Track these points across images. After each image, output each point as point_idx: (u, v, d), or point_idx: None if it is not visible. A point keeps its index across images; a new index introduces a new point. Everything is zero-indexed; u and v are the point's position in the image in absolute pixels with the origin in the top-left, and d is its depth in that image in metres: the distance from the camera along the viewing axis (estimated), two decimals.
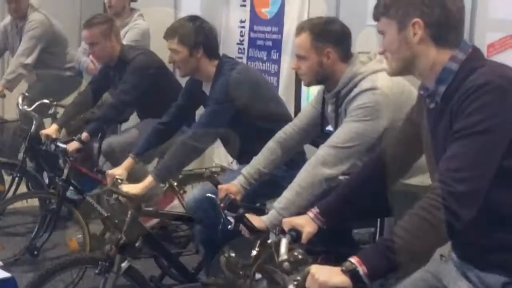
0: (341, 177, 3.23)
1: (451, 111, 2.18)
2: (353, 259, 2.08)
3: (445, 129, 2.22)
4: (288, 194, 3.07)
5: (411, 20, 2.25)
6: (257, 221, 3.07)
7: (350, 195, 2.72)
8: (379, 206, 3.19)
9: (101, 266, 3.69)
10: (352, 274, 2.06)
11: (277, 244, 2.59)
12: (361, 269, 2.06)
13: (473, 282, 2.28)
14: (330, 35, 3.23)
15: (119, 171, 4.00)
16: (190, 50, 3.94)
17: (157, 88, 4.89)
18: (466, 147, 2.09)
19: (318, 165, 3.05)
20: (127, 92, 4.81)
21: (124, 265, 3.74)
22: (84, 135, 4.75)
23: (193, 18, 4.10)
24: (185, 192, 5.02)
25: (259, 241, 3.12)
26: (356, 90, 3.12)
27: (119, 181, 3.85)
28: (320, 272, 2.11)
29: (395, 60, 2.34)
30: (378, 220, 4.17)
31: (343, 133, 3.07)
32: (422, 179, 3.15)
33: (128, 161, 4.12)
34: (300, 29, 3.28)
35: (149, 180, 3.81)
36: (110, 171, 4.00)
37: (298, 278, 2.24)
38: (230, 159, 5.75)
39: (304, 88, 4.76)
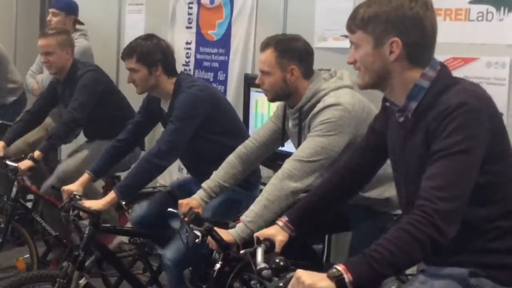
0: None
1: (427, 130, 2.26)
2: (339, 266, 2.12)
3: (419, 145, 2.30)
4: (255, 208, 3.12)
5: (389, 39, 2.30)
6: (225, 234, 3.10)
7: (317, 203, 2.80)
8: (338, 217, 3.31)
9: (59, 283, 3.66)
10: (337, 280, 2.10)
11: (253, 254, 2.64)
12: (347, 277, 2.09)
13: (444, 276, 2.35)
14: (294, 52, 3.32)
15: (75, 187, 3.97)
16: (148, 69, 3.97)
17: (105, 105, 4.91)
18: (447, 166, 2.17)
19: (285, 178, 3.12)
20: (77, 110, 4.80)
21: (82, 282, 3.72)
22: (37, 153, 4.71)
23: (150, 37, 4.13)
24: (133, 210, 5.04)
25: (221, 255, 3.19)
26: (319, 106, 3.21)
27: (77, 197, 3.83)
28: (306, 276, 2.15)
29: (368, 73, 2.38)
30: (326, 236, 4.29)
31: (308, 147, 3.15)
32: (380, 192, 3.29)
33: (84, 177, 4.09)
34: (265, 45, 3.36)
35: (111, 196, 3.80)
36: (66, 187, 3.96)
37: (281, 284, 2.30)
38: (175, 178, 5.80)
39: (252, 110, 4.87)
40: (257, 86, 4.67)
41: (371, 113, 3.22)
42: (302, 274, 2.16)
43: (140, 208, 4.25)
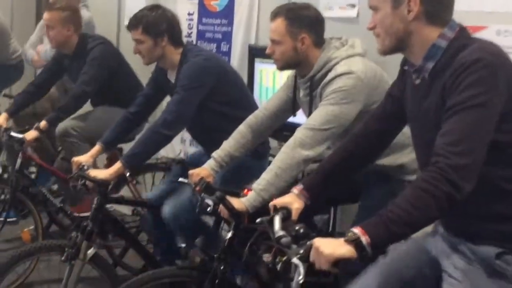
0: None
1: (443, 87, 2.24)
2: (356, 229, 2.13)
3: (435, 104, 2.28)
4: (267, 176, 3.12)
5: None
6: (237, 202, 3.10)
7: (333, 170, 2.79)
8: (347, 188, 3.30)
9: (67, 253, 3.68)
10: (356, 244, 2.11)
11: (270, 223, 2.64)
12: (364, 239, 2.10)
13: (466, 255, 2.34)
14: (304, 21, 3.30)
15: (85, 158, 3.96)
16: (154, 39, 3.94)
17: (115, 78, 4.90)
18: (462, 121, 2.15)
19: (297, 147, 3.11)
20: (87, 83, 4.78)
21: (90, 252, 3.73)
22: (43, 123, 4.68)
23: (155, 7, 4.10)
24: (137, 182, 5.05)
25: (233, 224, 3.19)
26: (331, 74, 3.19)
27: (85, 167, 3.82)
28: (324, 244, 2.16)
29: (388, 37, 2.37)
30: (332, 208, 4.29)
31: (320, 115, 3.14)
32: (393, 159, 3.28)
33: (95, 149, 4.08)
34: (275, 14, 3.33)
35: (118, 166, 3.79)
36: (76, 158, 3.95)
37: (301, 251, 2.30)
38: (177, 150, 5.79)
39: (256, 81, 4.85)
40: (262, 57, 4.74)
41: (383, 80, 3.22)
42: (320, 243, 2.18)
43: (157, 190, 4.25)
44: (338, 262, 2.13)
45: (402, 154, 3.22)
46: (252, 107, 3.92)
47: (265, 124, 3.56)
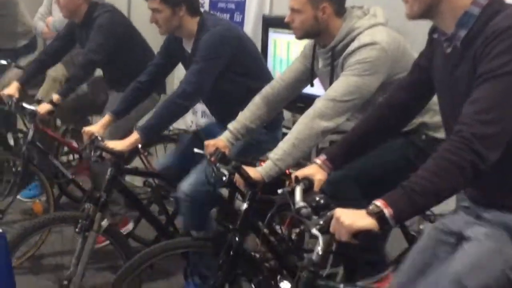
0: None
1: (474, 56, 2.17)
2: (378, 202, 2.08)
3: (466, 73, 2.22)
4: (284, 146, 3.07)
5: None
6: (253, 172, 3.07)
7: (357, 141, 2.73)
8: None
9: (81, 224, 3.65)
10: (378, 216, 2.07)
11: (291, 193, 2.59)
12: (387, 211, 2.05)
13: (491, 222, 2.29)
14: None
15: (96, 128, 3.91)
16: (172, 9, 3.86)
17: (125, 49, 4.81)
18: (491, 89, 2.09)
19: (316, 117, 3.06)
20: (94, 51, 4.69)
21: (104, 223, 3.70)
22: (55, 97, 4.62)
23: None
24: (149, 153, 5.01)
25: (249, 195, 3.15)
26: (354, 45, 3.12)
27: (99, 138, 3.78)
28: (345, 215, 2.11)
29: (416, 2, 2.28)
30: None
31: (341, 86, 3.08)
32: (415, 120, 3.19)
33: (105, 119, 4.03)
34: None
35: (135, 136, 3.74)
36: (86, 128, 3.90)
37: (321, 222, 2.25)
38: (189, 122, 5.75)
39: (270, 52, 4.79)
40: (276, 27, 4.67)
41: (406, 52, 3.16)
42: (341, 214, 2.13)
43: (166, 158, 4.20)
44: (359, 234, 2.08)
45: (423, 117, 3.16)
46: (268, 78, 3.86)
47: (282, 95, 3.50)
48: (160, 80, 4.26)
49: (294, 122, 3.42)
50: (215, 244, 3.23)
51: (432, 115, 3.15)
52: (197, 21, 3.91)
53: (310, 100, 3.60)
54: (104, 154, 3.72)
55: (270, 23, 4.80)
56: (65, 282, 3.65)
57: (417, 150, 3.23)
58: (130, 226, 4.63)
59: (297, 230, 4.11)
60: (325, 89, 3.36)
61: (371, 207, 2.09)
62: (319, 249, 2.24)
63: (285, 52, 4.78)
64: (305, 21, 3.24)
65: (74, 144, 5.46)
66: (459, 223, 2.41)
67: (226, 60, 3.80)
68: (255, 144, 3.80)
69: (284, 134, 4.14)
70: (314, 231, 2.25)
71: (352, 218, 2.09)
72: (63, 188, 5.37)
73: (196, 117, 5.76)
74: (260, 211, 3.24)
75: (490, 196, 2.31)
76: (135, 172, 4.30)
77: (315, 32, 3.28)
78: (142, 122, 4.57)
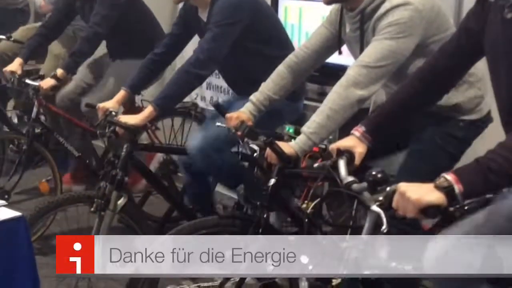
0: None
1: None
2: (448, 176, 1.95)
3: None
4: (318, 118, 2.92)
5: None
6: (286, 147, 2.93)
7: (397, 111, 2.61)
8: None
9: (97, 204, 3.52)
10: (447, 191, 1.93)
11: (334, 167, 2.44)
12: (457, 187, 1.93)
13: None
14: None
15: (111, 104, 3.76)
16: None
17: (128, 19, 4.65)
18: None
19: (350, 86, 2.90)
20: (99, 24, 4.54)
21: (121, 202, 3.57)
22: (60, 71, 4.50)
23: None
24: (157, 128, 4.84)
25: (277, 170, 3.01)
26: (386, 6, 2.95)
27: (113, 113, 3.61)
28: (411, 189, 1.98)
29: None
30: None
31: (374, 52, 2.91)
32: (448, 98, 3.06)
33: (120, 94, 3.88)
34: None
35: (149, 110, 3.60)
36: (101, 104, 3.75)
37: (380, 198, 2.12)
38: (193, 95, 5.58)
39: (280, 17, 4.62)
40: None
41: (441, 13, 2.99)
42: (407, 189, 2.00)
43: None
44: (427, 210, 1.94)
45: (458, 92, 3.00)
46: (289, 45, 3.71)
47: (307, 63, 3.32)
48: (177, 52, 4.08)
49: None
50: (243, 222, 3.09)
51: (466, 88, 2.99)
52: None
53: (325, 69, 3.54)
54: (117, 129, 3.56)
55: None
56: None
57: (457, 142, 3.08)
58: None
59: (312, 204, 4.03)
60: (355, 55, 3.20)
61: (439, 181, 1.96)
62: (384, 227, 2.11)
63: (297, 19, 4.65)
64: None
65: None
66: None
67: (242, 27, 3.64)
68: (275, 114, 3.63)
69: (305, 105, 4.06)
70: (375, 207, 2.12)
71: (420, 193, 1.96)
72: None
73: (201, 89, 5.59)
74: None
75: None
76: (151, 148, 4.15)
77: None
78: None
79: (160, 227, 4.32)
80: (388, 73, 2.94)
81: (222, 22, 3.60)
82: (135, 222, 3.68)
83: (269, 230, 3.01)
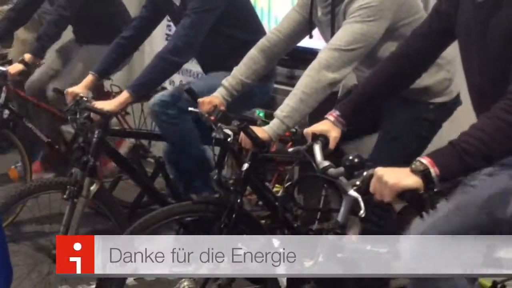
0: None
1: None
2: (424, 159, 1.96)
3: (506, 21, 2.10)
4: (291, 102, 2.93)
5: None
6: (260, 131, 2.94)
7: (371, 94, 2.62)
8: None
9: (70, 191, 3.48)
10: (423, 175, 1.94)
11: (309, 152, 2.46)
12: (433, 170, 1.93)
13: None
14: None
15: (80, 89, 3.71)
16: None
17: (96, 4, 4.62)
18: None
19: (322, 69, 2.91)
20: (64, 7, 4.49)
21: (93, 188, 3.54)
22: (27, 56, 4.44)
23: None
24: (127, 113, 4.81)
25: (250, 154, 3.02)
26: None
27: (85, 98, 3.58)
28: (388, 174, 1.98)
29: None
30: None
31: (345, 35, 2.92)
32: (418, 81, 3.08)
33: (88, 79, 3.83)
34: None
35: (124, 96, 3.57)
36: (70, 89, 3.70)
37: (358, 183, 2.14)
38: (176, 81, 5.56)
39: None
40: None
41: None
42: (384, 173, 2.00)
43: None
44: (404, 194, 1.96)
45: (427, 75, 3.01)
46: (261, 30, 3.71)
47: (279, 47, 3.33)
48: (146, 35, 4.04)
49: None
50: (217, 207, 3.09)
51: (435, 71, 3.02)
52: None
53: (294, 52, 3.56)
54: (92, 115, 3.52)
55: None
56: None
57: (428, 124, 3.13)
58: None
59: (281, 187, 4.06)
60: (326, 39, 3.22)
61: (416, 164, 1.96)
62: (361, 212, 2.12)
63: (266, 3, 4.64)
64: None
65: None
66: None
67: (219, 13, 3.62)
68: (246, 97, 3.62)
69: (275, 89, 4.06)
70: (352, 192, 2.13)
71: (397, 177, 1.96)
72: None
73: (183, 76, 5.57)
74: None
75: None
76: (123, 133, 4.12)
77: None
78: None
79: (131, 212, 4.31)
80: (360, 56, 2.95)
81: (199, 9, 3.58)
82: (108, 209, 3.65)
83: (243, 214, 3.02)
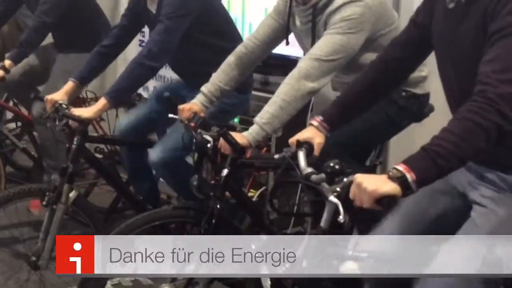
0: None
1: (484, 11, 2.11)
2: (400, 166, 2.00)
3: (474, 30, 2.15)
4: (270, 109, 2.98)
5: None
6: (239, 137, 2.98)
7: (353, 100, 2.66)
8: None
9: (48, 197, 3.50)
10: (400, 181, 1.99)
11: (294, 158, 2.51)
12: (409, 176, 1.98)
13: (496, 184, 2.27)
14: None
15: (59, 96, 3.71)
16: None
17: (76, 11, 4.61)
18: (508, 46, 2.03)
19: (302, 78, 2.97)
20: (47, 13, 4.47)
21: (72, 195, 3.55)
22: (7, 62, 4.42)
23: None
24: (101, 119, 4.83)
25: (229, 160, 3.06)
26: (339, 1, 3.03)
27: (64, 106, 3.60)
28: (366, 180, 2.03)
29: None
30: None
31: (326, 45, 2.99)
32: None
33: (68, 85, 3.82)
34: None
35: (102, 102, 3.59)
36: (49, 96, 3.69)
37: (338, 189, 2.19)
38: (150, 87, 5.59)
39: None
40: None
41: (387, 8, 3.14)
42: (363, 179, 2.05)
43: (128, 118, 4.05)
44: (382, 200, 2.01)
45: None
46: (237, 37, 3.75)
47: (256, 54, 3.38)
48: (125, 44, 4.06)
49: None
50: (197, 213, 3.13)
51: None
52: None
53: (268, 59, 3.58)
54: (70, 122, 3.55)
55: None
56: (34, 258, 3.50)
57: (397, 108, 3.21)
58: None
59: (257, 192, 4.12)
60: (304, 47, 3.29)
61: (392, 172, 2.01)
62: (341, 217, 2.16)
63: (240, 10, 4.68)
64: None
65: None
66: (462, 184, 2.39)
67: (192, 18, 3.66)
68: (227, 110, 3.73)
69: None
70: (332, 198, 2.18)
71: (376, 184, 2.01)
72: (8, 158, 5.17)
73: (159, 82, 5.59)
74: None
75: (494, 156, 2.23)
76: (102, 140, 4.15)
77: None
78: None
79: (106, 218, 4.33)
80: (339, 67, 3.03)
81: (173, 14, 3.60)
82: (86, 215, 3.67)
83: (222, 220, 3.04)
